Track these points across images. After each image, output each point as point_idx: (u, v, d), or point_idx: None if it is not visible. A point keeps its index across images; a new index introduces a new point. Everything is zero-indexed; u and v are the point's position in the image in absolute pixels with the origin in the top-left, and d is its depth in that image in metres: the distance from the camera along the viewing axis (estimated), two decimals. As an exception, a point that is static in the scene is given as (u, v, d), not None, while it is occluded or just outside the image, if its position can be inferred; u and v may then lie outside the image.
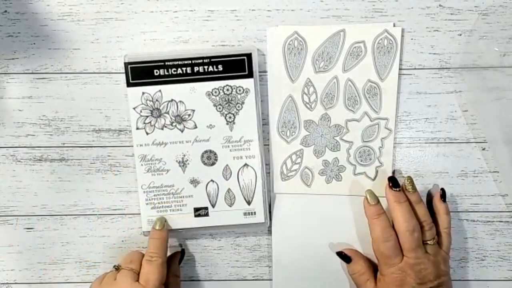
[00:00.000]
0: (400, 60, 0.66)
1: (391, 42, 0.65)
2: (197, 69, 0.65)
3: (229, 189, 0.66)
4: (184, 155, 0.66)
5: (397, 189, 0.63)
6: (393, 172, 0.67)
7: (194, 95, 0.65)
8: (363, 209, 0.65)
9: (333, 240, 0.68)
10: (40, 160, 0.68)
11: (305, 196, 0.68)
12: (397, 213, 0.62)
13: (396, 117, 0.67)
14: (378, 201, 0.64)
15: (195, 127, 0.66)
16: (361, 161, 0.67)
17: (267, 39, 0.66)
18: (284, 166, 0.68)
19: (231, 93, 0.65)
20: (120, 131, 0.68)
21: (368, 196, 0.64)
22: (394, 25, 0.65)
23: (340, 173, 0.68)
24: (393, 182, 0.63)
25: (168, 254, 0.67)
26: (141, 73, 0.65)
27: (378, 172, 0.67)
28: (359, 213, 0.66)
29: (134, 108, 0.65)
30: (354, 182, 0.67)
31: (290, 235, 0.68)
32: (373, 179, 0.67)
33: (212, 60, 0.65)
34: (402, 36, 0.65)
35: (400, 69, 0.66)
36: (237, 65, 0.65)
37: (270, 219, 0.68)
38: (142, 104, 0.65)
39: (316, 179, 0.68)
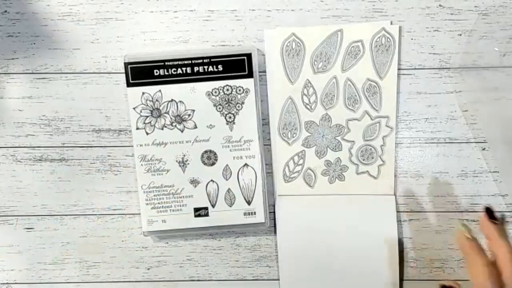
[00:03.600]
0: (400, 60, 0.66)
1: (389, 40, 0.65)
2: (197, 69, 0.65)
3: (229, 189, 0.66)
4: (184, 155, 0.66)
5: (498, 221, 0.54)
6: (395, 173, 0.68)
7: (194, 95, 0.65)
8: (366, 208, 0.65)
9: (338, 240, 0.67)
10: (40, 160, 0.68)
11: (309, 197, 0.68)
12: (504, 250, 0.52)
13: (396, 115, 0.67)
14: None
15: (195, 127, 0.66)
16: (363, 160, 0.67)
17: (265, 41, 0.66)
18: (287, 167, 0.68)
19: (231, 93, 0.65)
20: (120, 131, 0.68)
21: (464, 229, 0.55)
22: (391, 23, 0.65)
23: (342, 173, 0.68)
24: (491, 214, 0.55)
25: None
26: (141, 73, 0.65)
27: (381, 171, 0.67)
28: (363, 212, 0.66)
29: (134, 108, 0.65)
30: (357, 181, 0.67)
31: (295, 237, 0.68)
32: (376, 178, 0.67)
33: (212, 60, 0.65)
34: (401, 34, 0.65)
35: (400, 69, 0.66)
36: (237, 65, 0.65)
37: (275, 221, 0.68)
38: (142, 104, 0.65)
39: (319, 180, 0.68)
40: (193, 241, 0.70)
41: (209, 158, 0.66)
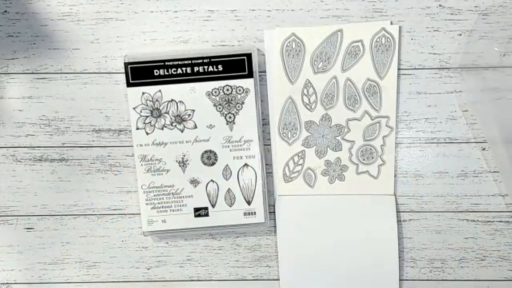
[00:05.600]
0: (400, 60, 0.66)
1: (389, 40, 0.65)
2: (197, 69, 0.65)
3: (229, 189, 0.66)
4: (184, 155, 0.66)
5: None
6: (395, 172, 0.68)
7: (194, 95, 0.65)
8: (366, 208, 0.65)
9: (337, 240, 0.67)
10: (40, 160, 0.68)
11: (309, 197, 0.68)
12: None
13: (396, 115, 0.67)
14: None
15: (195, 127, 0.66)
16: (364, 160, 0.67)
17: (265, 41, 0.66)
18: (287, 167, 0.68)
19: (231, 93, 0.65)
20: (120, 131, 0.68)
21: None
22: (391, 23, 0.65)
23: (342, 173, 0.68)
24: None
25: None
26: (141, 73, 0.65)
27: (381, 171, 0.67)
28: (363, 212, 0.66)
29: (134, 108, 0.65)
30: (357, 181, 0.67)
31: (295, 237, 0.68)
32: (376, 178, 0.67)
33: (212, 60, 0.65)
34: (401, 34, 0.65)
35: (400, 69, 0.66)
36: (237, 65, 0.65)
37: (275, 221, 0.68)
38: (142, 104, 0.65)
39: (319, 180, 0.68)
40: (193, 241, 0.70)
41: (209, 158, 0.66)
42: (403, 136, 0.67)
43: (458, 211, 0.68)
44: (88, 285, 0.71)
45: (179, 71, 0.65)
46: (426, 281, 0.70)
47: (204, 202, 0.66)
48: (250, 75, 0.65)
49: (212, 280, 0.70)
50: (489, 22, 0.65)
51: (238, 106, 0.65)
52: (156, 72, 0.65)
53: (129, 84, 0.65)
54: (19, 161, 0.68)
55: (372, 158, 0.67)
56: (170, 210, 0.66)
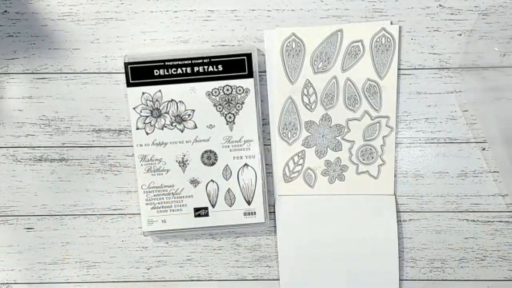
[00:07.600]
0: (400, 60, 0.66)
1: (389, 40, 0.65)
2: (197, 69, 0.65)
3: (229, 189, 0.66)
4: (184, 155, 0.66)
5: None
6: (395, 172, 0.68)
7: (194, 95, 0.65)
8: (366, 208, 0.65)
9: (337, 240, 0.68)
10: (40, 160, 0.68)
11: (309, 197, 0.68)
12: None
13: (396, 115, 0.67)
14: None
15: (195, 127, 0.66)
16: (364, 160, 0.67)
17: (265, 41, 0.66)
18: (287, 167, 0.68)
19: (231, 93, 0.65)
20: (120, 131, 0.68)
21: None
22: (391, 23, 0.65)
23: (342, 173, 0.68)
24: None
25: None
26: (141, 73, 0.65)
27: (381, 171, 0.67)
28: (363, 212, 0.66)
29: (134, 108, 0.65)
30: (357, 181, 0.67)
31: (295, 237, 0.68)
32: (376, 178, 0.67)
33: (212, 60, 0.65)
34: (401, 34, 0.65)
35: (400, 69, 0.66)
36: (237, 65, 0.65)
37: (275, 221, 0.68)
38: (142, 104, 0.65)
39: (319, 180, 0.68)
40: (193, 241, 0.70)
41: (209, 158, 0.66)
42: (403, 136, 0.67)
43: (458, 211, 0.68)
44: (88, 285, 0.71)
45: (179, 71, 0.65)
46: (426, 281, 0.70)
47: (204, 202, 0.66)
48: (250, 75, 0.65)
49: (212, 280, 0.70)
50: (489, 22, 0.65)
51: (238, 106, 0.65)
52: (156, 72, 0.65)
53: (129, 84, 0.65)
54: (19, 161, 0.68)
55: (372, 158, 0.67)
56: (170, 210, 0.66)
